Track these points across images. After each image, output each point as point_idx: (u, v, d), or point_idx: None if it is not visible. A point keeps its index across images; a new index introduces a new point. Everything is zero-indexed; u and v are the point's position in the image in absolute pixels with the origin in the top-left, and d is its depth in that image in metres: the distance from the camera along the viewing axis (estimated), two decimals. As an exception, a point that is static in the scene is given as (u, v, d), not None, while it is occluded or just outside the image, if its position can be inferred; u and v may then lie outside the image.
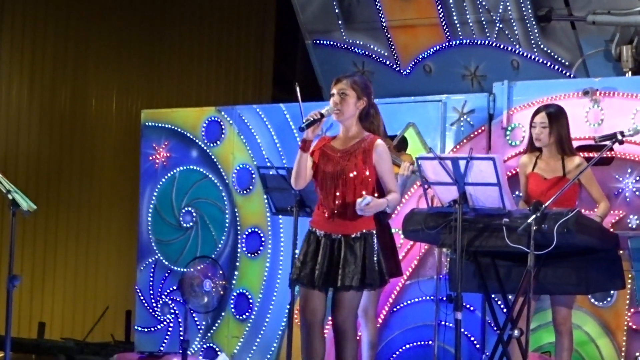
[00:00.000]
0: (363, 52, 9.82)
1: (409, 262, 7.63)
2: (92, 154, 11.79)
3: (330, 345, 5.92)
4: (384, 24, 9.61)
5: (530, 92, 7.36)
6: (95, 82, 11.84)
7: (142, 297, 8.92)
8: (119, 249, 11.83)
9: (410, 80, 9.56)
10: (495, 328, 6.28)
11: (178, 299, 8.50)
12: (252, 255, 8.42)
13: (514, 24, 9.00)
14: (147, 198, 8.95)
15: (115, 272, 11.83)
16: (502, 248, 5.88)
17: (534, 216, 5.68)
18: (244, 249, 8.46)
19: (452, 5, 9.21)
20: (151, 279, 8.87)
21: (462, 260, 5.85)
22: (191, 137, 8.77)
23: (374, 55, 9.77)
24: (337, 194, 5.78)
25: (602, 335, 7.01)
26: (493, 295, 6.54)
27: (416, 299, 7.64)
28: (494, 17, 9.06)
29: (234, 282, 8.46)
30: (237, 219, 8.51)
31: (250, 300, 8.40)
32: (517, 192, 6.75)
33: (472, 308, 7.34)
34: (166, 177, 8.87)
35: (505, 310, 6.41)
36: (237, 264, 8.48)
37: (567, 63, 8.90)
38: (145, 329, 8.90)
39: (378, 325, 7.13)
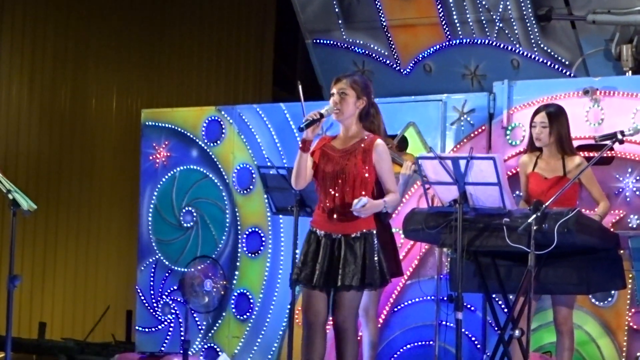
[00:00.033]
0: (363, 51, 9.81)
1: (409, 262, 7.63)
2: (92, 153, 11.80)
3: (331, 345, 5.92)
4: (384, 24, 9.61)
5: (530, 92, 7.36)
6: (95, 82, 11.84)
7: (142, 297, 8.92)
8: (119, 249, 11.84)
9: (411, 80, 9.55)
10: (496, 328, 6.28)
11: (179, 299, 8.50)
12: (253, 255, 8.42)
13: (514, 24, 9.00)
14: (148, 198, 8.94)
15: (116, 272, 11.83)
16: (503, 248, 5.88)
17: (534, 216, 5.68)
18: (245, 248, 8.46)
19: (452, 5, 9.21)
20: (152, 279, 8.87)
21: (463, 260, 5.84)
22: (191, 136, 8.77)
23: (374, 55, 9.77)
24: (337, 194, 5.77)
25: (603, 335, 7.01)
26: (494, 295, 6.54)
27: (417, 299, 7.64)
28: (494, 17, 9.06)
29: (234, 282, 8.45)
30: (238, 218, 8.50)
31: (251, 300, 8.40)
32: (517, 192, 6.74)
33: (472, 308, 7.34)
34: (166, 176, 8.87)
35: (506, 310, 6.41)
36: (238, 263, 8.47)
37: (567, 62, 8.90)
38: (146, 329, 8.89)
39: (379, 325, 7.13)
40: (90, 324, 11.32)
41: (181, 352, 7.69)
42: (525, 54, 9.03)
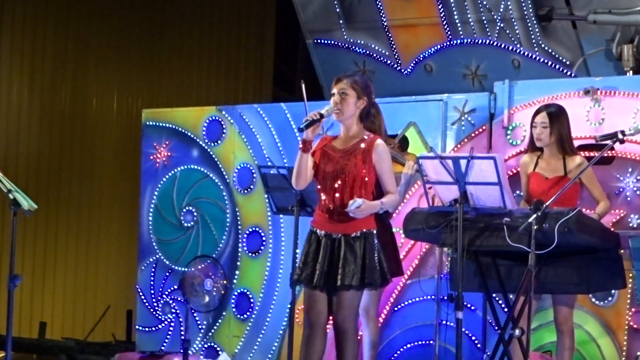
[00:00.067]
0: (364, 51, 9.81)
1: (409, 262, 7.63)
2: (93, 153, 11.80)
3: (331, 345, 5.92)
4: (385, 23, 9.61)
5: (531, 92, 7.36)
6: (95, 82, 11.84)
7: (143, 297, 8.92)
8: (119, 249, 11.84)
9: (411, 80, 9.55)
10: (496, 327, 6.28)
11: (179, 299, 8.50)
12: (253, 255, 8.42)
13: (515, 23, 9.00)
14: (148, 197, 8.94)
15: (116, 272, 11.83)
16: (503, 247, 5.88)
17: (534, 215, 5.68)
18: (245, 248, 8.46)
19: (453, 5, 9.21)
20: (152, 278, 8.87)
21: (463, 260, 5.85)
22: (192, 136, 8.77)
23: (375, 55, 9.76)
24: (337, 193, 5.77)
25: (603, 335, 7.01)
26: (494, 295, 6.54)
27: (417, 299, 7.64)
28: (495, 17, 9.06)
29: (234, 281, 8.45)
30: (238, 218, 8.50)
31: (251, 300, 8.40)
32: (518, 192, 6.74)
33: (473, 307, 7.34)
34: (167, 176, 8.87)
35: (506, 309, 6.41)
36: (238, 263, 8.48)
37: (568, 62, 8.90)
38: (147, 329, 8.89)
39: (379, 325, 7.13)
40: (90, 324, 11.32)
41: (181, 351, 7.69)
42: (526, 54, 9.03)
